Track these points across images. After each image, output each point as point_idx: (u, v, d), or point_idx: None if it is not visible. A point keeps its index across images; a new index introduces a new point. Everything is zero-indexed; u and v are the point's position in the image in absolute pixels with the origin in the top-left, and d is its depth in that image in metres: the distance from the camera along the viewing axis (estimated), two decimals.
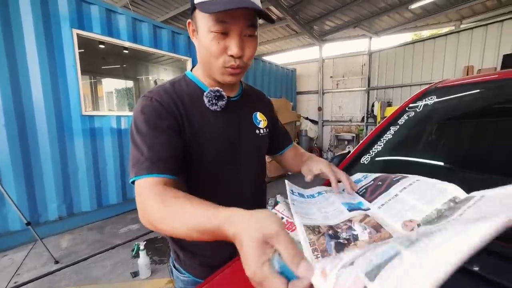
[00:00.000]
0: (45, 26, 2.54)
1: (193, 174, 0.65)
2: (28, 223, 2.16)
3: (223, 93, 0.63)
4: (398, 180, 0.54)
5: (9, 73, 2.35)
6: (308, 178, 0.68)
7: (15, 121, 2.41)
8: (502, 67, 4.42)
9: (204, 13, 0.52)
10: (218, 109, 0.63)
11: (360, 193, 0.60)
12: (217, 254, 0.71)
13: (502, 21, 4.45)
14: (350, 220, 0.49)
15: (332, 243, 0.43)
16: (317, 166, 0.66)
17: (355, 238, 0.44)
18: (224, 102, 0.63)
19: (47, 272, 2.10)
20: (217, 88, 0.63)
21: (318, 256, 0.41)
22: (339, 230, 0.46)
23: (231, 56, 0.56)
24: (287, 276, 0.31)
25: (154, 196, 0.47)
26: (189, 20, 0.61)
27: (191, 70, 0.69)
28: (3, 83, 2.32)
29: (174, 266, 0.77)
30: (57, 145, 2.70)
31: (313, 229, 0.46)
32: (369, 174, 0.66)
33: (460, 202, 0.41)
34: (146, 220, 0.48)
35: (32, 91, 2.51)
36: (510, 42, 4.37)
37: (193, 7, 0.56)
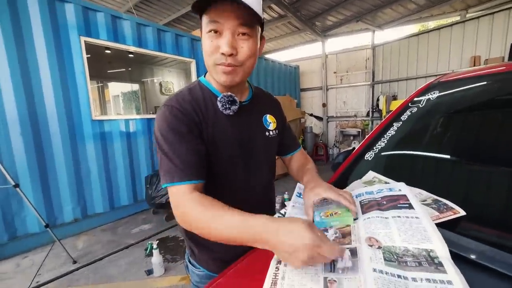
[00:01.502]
0: (55, 36, 2.63)
1: (209, 175, 0.68)
2: (46, 225, 2.25)
3: (236, 98, 0.67)
4: (400, 208, 0.56)
5: (23, 83, 2.44)
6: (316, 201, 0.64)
7: (30, 129, 2.50)
8: (510, 57, 4.32)
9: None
10: (231, 113, 0.67)
11: (362, 203, 0.64)
12: (230, 249, 0.74)
13: (509, 8, 4.35)
14: (330, 226, 0.57)
15: None
16: (323, 193, 0.63)
17: None
18: (236, 107, 0.67)
19: (66, 272, 2.20)
20: (229, 93, 0.66)
21: None
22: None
23: (223, 54, 0.57)
24: None
25: (193, 201, 0.55)
26: (199, 29, 0.65)
27: (204, 76, 0.73)
28: (18, 93, 2.42)
29: (190, 262, 0.82)
30: (70, 150, 2.80)
31: None
32: (384, 188, 0.67)
33: (433, 260, 0.42)
34: (187, 222, 0.56)
35: (45, 99, 2.60)
36: None
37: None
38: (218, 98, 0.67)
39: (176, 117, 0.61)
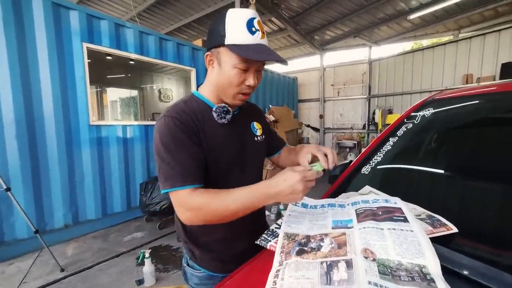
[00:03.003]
0: (58, 41, 2.65)
1: (209, 179, 0.72)
2: (36, 231, 2.20)
3: (229, 108, 0.75)
4: (396, 220, 0.58)
5: (22, 86, 2.44)
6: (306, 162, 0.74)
7: (26, 132, 2.48)
8: (501, 76, 4.47)
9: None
10: (225, 122, 0.74)
11: (358, 212, 0.65)
12: (228, 248, 0.81)
13: (499, 30, 4.54)
14: (326, 234, 0.59)
15: (297, 248, 0.56)
16: (307, 150, 0.75)
17: (319, 248, 0.54)
18: (230, 116, 0.75)
19: (53, 280, 2.12)
20: (223, 104, 0.74)
21: (282, 255, 0.55)
22: (312, 240, 0.58)
23: (248, 86, 0.69)
24: None
25: (201, 196, 0.63)
26: (208, 53, 0.71)
27: (197, 90, 0.79)
28: (16, 95, 2.41)
29: (188, 265, 0.85)
30: (65, 155, 2.77)
31: (289, 236, 0.61)
32: (380, 198, 0.69)
33: (425, 276, 0.43)
34: (200, 216, 0.63)
35: (43, 102, 2.59)
36: (508, 51, 4.44)
37: (219, 45, 0.67)
38: (214, 109, 0.73)
39: (177, 126, 0.66)
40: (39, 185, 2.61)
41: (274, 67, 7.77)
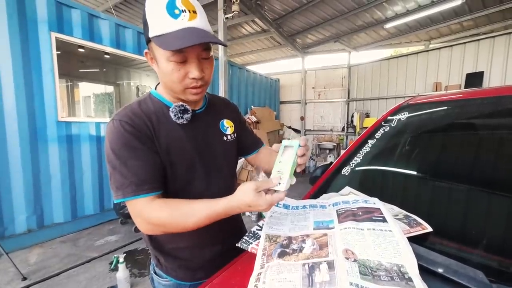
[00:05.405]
0: (21, 28, 2.43)
1: (170, 184, 0.67)
2: None
3: (187, 106, 0.67)
4: (375, 220, 0.59)
5: None
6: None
7: None
8: (466, 84, 4.85)
9: (165, 50, 0.55)
10: (184, 122, 0.67)
11: (339, 212, 0.66)
12: (195, 256, 0.75)
13: (464, 43, 4.92)
14: (307, 235, 0.59)
15: (279, 250, 0.55)
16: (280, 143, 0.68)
17: (301, 250, 0.54)
18: (189, 115, 0.67)
19: None
20: (181, 103, 0.67)
21: (264, 258, 0.55)
22: (294, 241, 0.58)
23: (193, 78, 0.61)
24: None
25: (158, 208, 0.58)
26: (146, 51, 0.64)
27: (155, 89, 0.73)
28: None
29: (155, 272, 0.79)
30: (29, 153, 2.54)
31: (271, 238, 0.60)
32: (359, 199, 0.70)
33: (403, 275, 0.44)
34: (158, 230, 0.60)
35: (4, 95, 2.37)
36: (472, 62, 4.83)
37: (148, 39, 0.59)
38: (170, 109, 0.67)
39: (127, 131, 0.60)
40: None
41: (257, 68, 7.80)
